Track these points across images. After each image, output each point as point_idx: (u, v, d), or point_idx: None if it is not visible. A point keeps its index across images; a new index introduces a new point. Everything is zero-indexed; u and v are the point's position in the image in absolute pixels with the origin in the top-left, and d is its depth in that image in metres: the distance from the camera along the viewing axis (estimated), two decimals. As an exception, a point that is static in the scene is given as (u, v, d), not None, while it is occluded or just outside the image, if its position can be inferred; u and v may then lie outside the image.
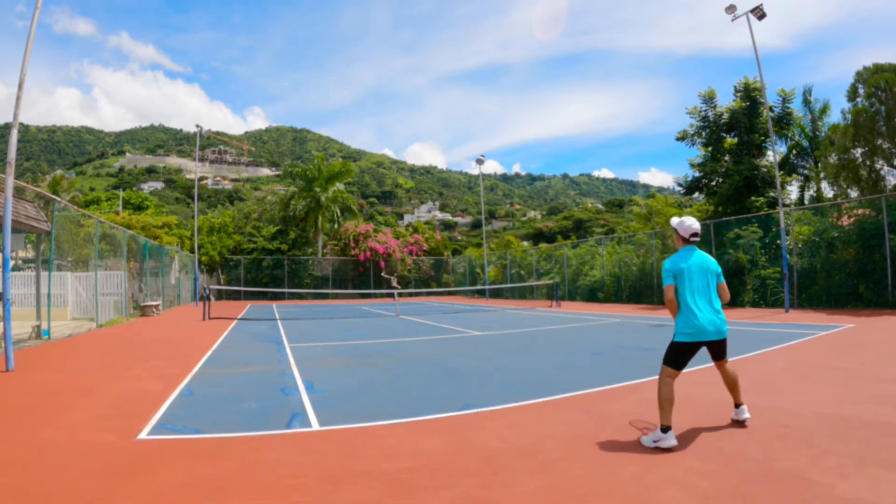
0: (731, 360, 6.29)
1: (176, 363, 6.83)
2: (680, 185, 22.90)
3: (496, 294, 30.49)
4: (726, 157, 20.85)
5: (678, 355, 3.53)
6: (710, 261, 3.69)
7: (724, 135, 21.14)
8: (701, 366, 6.02)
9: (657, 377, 5.36)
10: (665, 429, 3.30)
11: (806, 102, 23.48)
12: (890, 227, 12.84)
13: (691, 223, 3.72)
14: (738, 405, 3.73)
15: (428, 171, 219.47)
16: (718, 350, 3.65)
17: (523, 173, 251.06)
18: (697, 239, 3.71)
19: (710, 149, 21.50)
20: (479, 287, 31.55)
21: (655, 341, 8.71)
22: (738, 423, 3.67)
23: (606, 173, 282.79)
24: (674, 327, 3.61)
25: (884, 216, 12.93)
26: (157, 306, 16.88)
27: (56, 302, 12.95)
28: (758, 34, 16.24)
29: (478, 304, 23.86)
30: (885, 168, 19.14)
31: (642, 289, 20.44)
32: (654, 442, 3.29)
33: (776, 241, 15.49)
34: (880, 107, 18.63)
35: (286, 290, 26.47)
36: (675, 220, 3.84)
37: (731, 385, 3.72)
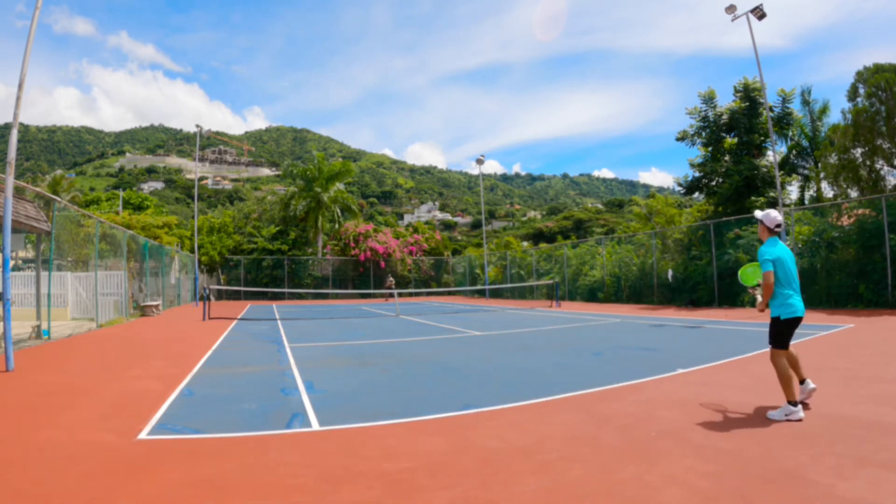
0: (732, 359, 6.35)
1: (176, 363, 6.83)
2: (680, 185, 22.86)
3: (496, 294, 30.48)
4: (726, 157, 20.82)
5: (784, 334, 4.04)
6: (789, 251, 4.21)
7: (724, 135, 21.11)
8: (701, 366, 6.02)
9: (657, 377, 5.40)
10: (794, 403, 3.80)
11: (805, 103, 23.49)
12: (890, 227, 12.84)
13: (776, 215, 4.20)
14: (802, 381, 4.17)
15: (428, 171, 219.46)
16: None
17: (523, 173, 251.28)
18: (780, 230, 4.20)
19: (710, 149, 21.46)
20: (479, 287, 31.55)
21: (655, 341, 8.71)
22: (806, 399, 4.12)
23: (606, 173, 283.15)
24: (771, 311, 4.11)
25: (884, 216, 12.92)
26: (157, 306, 16.88)
27: (56, 302, 12.95)
28: (758, 34, 16.25)
29: (478, 304, 23.85)
30: (885, 168, 19.14)
31: (642, 289, 20.44)
32: (786, 416, 3.77)
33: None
34: (880, 107, 18.63)
35: (286, 290, 26.47)
36: (759, 213, 4.30)
37: (794, 363, 4.16)
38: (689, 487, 2.62)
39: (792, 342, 4.03)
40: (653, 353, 7.25)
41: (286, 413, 4.22)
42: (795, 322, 4.03)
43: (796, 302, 4.02)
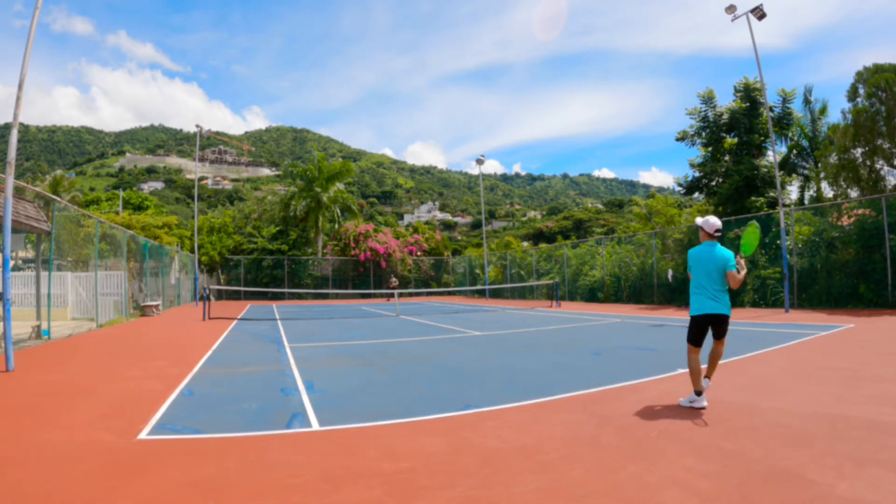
0: (732, 359, 6.34)
1: (176, 363, 6.83)
2: (680, 185, 22.87)
3: (496, 294, 30.48)
4: (726, 157, 20.83)
5: (692, 330, 4.32)
6: (724, 255, 4.29)
7: (724, 135, 21.11)
8: (702, 366, 6.02)
9: (657, 377, 5.41)
10: (698, 392, 4.18)
11: (806, 102, 23.48)
12: (890, 227, 12.84)
13: (715, 220, 4.38)
14: (705, 377, 4.33)
15: (428, 171, 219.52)
16: (717, 329, 4.32)
17: (523, 173, 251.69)
18: (720, 235, 4.36)
19: (710, 149, 21.48)
20: (479, 287, 31.55)
21: (655, 341, 8.71)
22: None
23: (606, 173, 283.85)
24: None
25: (884, 216, 12.92)
26: (157, 306, 16.88)
27: (56, 302, 12.95)
28: (758, 34, 16.24)
29: (478, 304, 23.85)
30: (885, 168, 19.12)
31: (642, 289, 20.44)
32: (690, 402, 4.19)
33: (776, 242, 15.49)
34: (880, 107, 18.60)
35: (286, 290, 26.47)
36: (699, 220, 4.46)
37: (713, 359, 4.38)
38: (689, 487, 2.62)
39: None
40: (653, 353, 7.25)
41: (286, 413, 4.22)
42: (701, 319, 4.28)
43: (702, 300, 4.26)
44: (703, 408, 4.12)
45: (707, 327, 4.29)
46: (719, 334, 4.33)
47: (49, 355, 7.70)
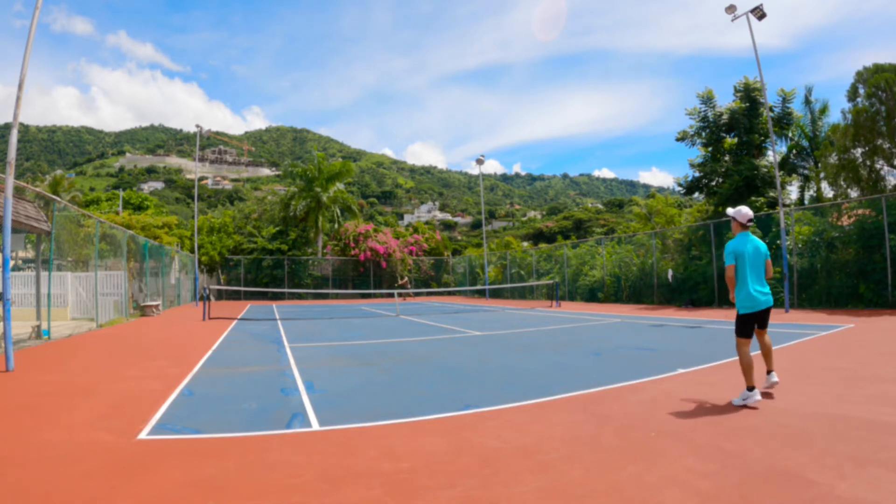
0: (731, 359, 6.34)
1: (176, 363, 6.83)
2: (680, 185, 22.86)
3: (496, 294, 30.48)
4: (726, 158, 20.82)
5: (741, 325, 4.36)
6: (762, 244, 4.44)
7: (724, 135, 21.10)
8: (702, 366, 6.02)
9: (657, 377, 5.40)
10: (750, 388, 4.11)
11: (807, 102, 23.47)
12: (890, 227, 12.83)
13: (747, 210, 4.51)
14: (769, 371, 4.39)
15: (428, 171, 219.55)
16: (763, 320, 4.39)
17: (523, 173, 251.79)
18: (752, 224, 4.50)
19: (710, 149, 21.46)
20: (479, 287, 31.54)
21: (655, 341, 8.71)
22: (768, 389, 4.39)
23: (606, 173, 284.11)
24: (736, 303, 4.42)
25: (884, 216, 12.92)
26: (157, 306, 16.88)
27: (56, 302, 12.94)
28: (758, 34, 16.24)
29: (478, 304, 23.85)
30: (885, 168, 19.12)
31: (642, 289, 20.44)
32: (744, 400, 4.10)
33: (776, 242, 15.48)
34: (880, 107, 18.60)
35: (286, 290, 26.46)
36: (731, 210, 4.61)
37: (766, 352, 4.46)
38: (689, 487, 2.62)
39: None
40: (653, 353, 7.25)
41: (286, 413, 4.22)
42: (752, 315, 4.31)
43: (751, 295, 4.27)
44: (765, 395, 4.13)
45: (756, 319, 4.34)
46: (764, 324, 4.40)
47: (49, 355, 7.70)
